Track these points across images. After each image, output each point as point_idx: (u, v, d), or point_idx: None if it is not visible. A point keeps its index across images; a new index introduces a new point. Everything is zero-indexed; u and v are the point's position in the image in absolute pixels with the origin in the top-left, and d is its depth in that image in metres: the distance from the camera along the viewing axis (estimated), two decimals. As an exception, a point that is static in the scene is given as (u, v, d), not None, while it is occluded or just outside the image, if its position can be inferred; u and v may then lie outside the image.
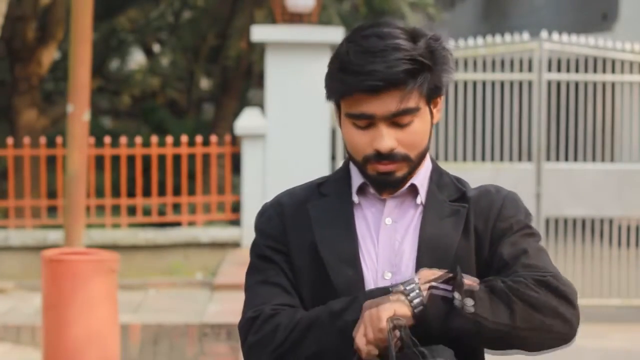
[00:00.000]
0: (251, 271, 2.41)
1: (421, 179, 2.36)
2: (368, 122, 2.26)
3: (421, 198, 2.35)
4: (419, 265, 2.27)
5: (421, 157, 2.34)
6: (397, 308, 2.14)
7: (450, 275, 2.16)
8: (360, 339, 2.15)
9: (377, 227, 2.34)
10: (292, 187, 2.48)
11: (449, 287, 2.15)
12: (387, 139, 2.25)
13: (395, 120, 2.25)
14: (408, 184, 2.34)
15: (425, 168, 2.38)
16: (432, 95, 2.29)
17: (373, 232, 2.34)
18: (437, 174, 2.39)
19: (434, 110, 2.34)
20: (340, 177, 2.41)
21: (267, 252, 2.38)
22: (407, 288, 2.16)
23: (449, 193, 2.36)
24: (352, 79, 2.22)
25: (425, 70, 2.25)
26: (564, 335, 2.20)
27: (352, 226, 2.33)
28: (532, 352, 2.23)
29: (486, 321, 2.14)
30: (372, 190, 2.35)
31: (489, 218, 2.33)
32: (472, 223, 2.33)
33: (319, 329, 2.24)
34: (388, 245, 2.32)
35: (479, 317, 2.13)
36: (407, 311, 2.14)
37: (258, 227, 2.43)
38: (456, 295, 2.13)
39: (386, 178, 2.30)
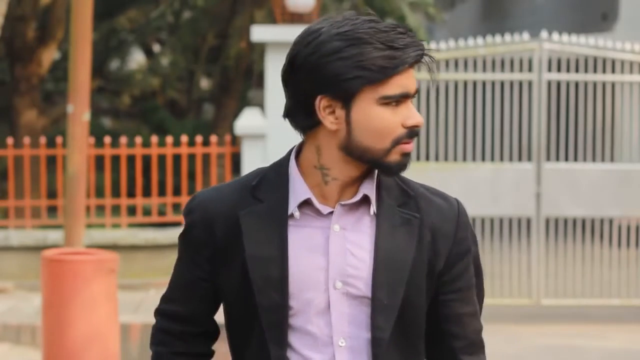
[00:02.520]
0: (179, 256, 2.46)
1: (371, 186, 2.29)
2: (398, 102, 2.21)
3: (373, 208, 2.28)
4: (376, 282, 2.24)
5: (370, 172, 2.30)
6: None
7: None
8: None
9: (324, 236, 2.26)
10: (225, 183, 2.38)
11: None
12: (417, 113, 2.26)
13: (413, 97, 2.27)
14: (360, 195, 2.27)
15: (374, 172, 2.30)
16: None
17: (321, 242, 2.25)
18: (383, 177, 2.31)
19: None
20: (278, 182, 2.29)
21: (188, 259, 2.40)
22: None
23: (395, 196, 2.30)
24: (396, 54, 2.18)
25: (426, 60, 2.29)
26: None
27: (284, 245, 2.24)
28: None
29: None
30: (316, 204, 2.25)
31: (445, 237, 2.31)
32: (425, 237, 2.29)
33: None
34: (338, 253, 2.26)
35: None
36: None
37: (185, 225, 2.40)
38: None
39: (407, 160, 2.26)
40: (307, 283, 2.25)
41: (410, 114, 2.22)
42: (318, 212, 2.26)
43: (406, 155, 2.25)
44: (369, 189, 2.28)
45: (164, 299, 2.43)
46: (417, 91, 2.27)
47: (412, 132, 2.24)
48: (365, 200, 2.28)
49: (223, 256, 2.29)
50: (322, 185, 2.26)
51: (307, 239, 2.26)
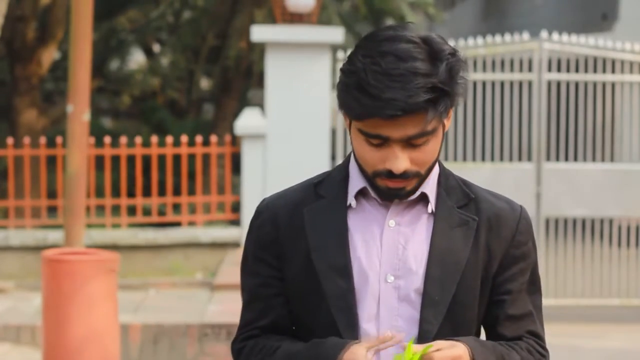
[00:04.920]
0: (245, 270, 2.43)
1: (431, 185, 2.34)
2: (382, 141, 2.23)
3: (432, 207, 2.33)
4: (428, 277, 2.28)
5: (431, 169, 2.32)
6: None
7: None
8: None
9: (380, 229, 2.32)
10: (290, 186, 2.46)
11: None
12: (401, 160, 2.22)
13: (411, 141, 2.22)
14: (418, 193, 2.32)
15: (434, 173, 2.35)
16: (447, 112, 2.26)
17: (376, 234, 2.31)
18: (444, 177, 2.37)
19: (446, 122, 2.30)
20: (339, 178, 2.37)
21: (259, 262, 2.38)
22: None
23: (457, 198, 2.35)
24: (370, 104, 2.17)
25: (445, 96, 2.21)
26: None
27: (345, 234, 2.31)
28: None
29: None
30: (373, 194, 2.32)
31: (503, 240, 2.34)
32: (482, 238, 2.33)
33: None
34: (392, 247, 2.31)
35: None
36: None
37: (252, 229, 2.42)
38: None
39: (396, 193, 2.28)
40: (366, 270, 2.30)
41: (389, 157, 2.23)
42: (376, 203, 2.32)
43: (393, 189, 2.27)
44: (428, 187, 2.33)
45: (243, 326, 2.42)
46: (416, 137, 2.21)
47: (392, 174, 2.24)
48: (424, 198, 2.33)
49: (288, 251, 2.34)
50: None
51: (365, 229, 2.32)
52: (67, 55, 9.60)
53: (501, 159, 9.87)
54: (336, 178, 2.37)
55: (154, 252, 10.40)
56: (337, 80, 2.29)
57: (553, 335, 9.21)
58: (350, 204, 2.33)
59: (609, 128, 9.91)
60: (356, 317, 2.28)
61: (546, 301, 9.60)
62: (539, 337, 2.39)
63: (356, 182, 2.34)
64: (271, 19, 12.83)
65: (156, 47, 19.09)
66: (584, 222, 9.81)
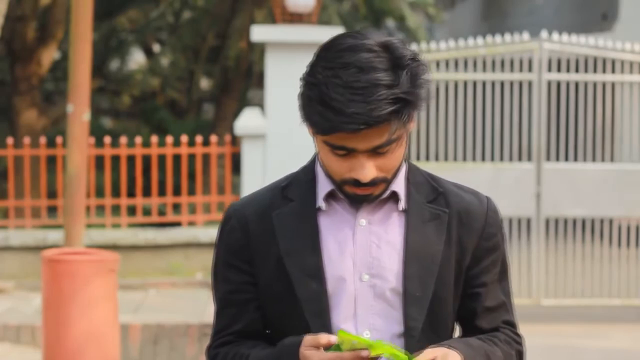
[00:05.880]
0: (217, 276, 2.41)
1: (399, 183, 2.34)
2: (348, 151, 2.22)
3: (402, 204, 2.33)
4: (407, 274, 2.29)
5: (398, 170, 2.32)
6: None
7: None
8: None
9: (352, 230, 2.31)
10: (258, 189, 2.45)
11: None
12: (368, 170, 2.22)
13: (377, 150, 2.22)
14: (388, 192, 2.32)
15: (402, 170, 2.35)
16: (412, 118, 2.24)
17: (349, 235, 2.31)
18: (412, 174, 2.37)
19: (410, 126, 2.27)
20: (306, 180, 2.36)
21: (230, 268, 2.37)
22: None
23: (426, 193, 2.36)
24: (334, 118, 2.16)
25: (408, 106, 2.19)
26: None
27: (317, 237, 2.31)
28: None
29: None
30: (341, 196, 2.31)
31: (473, 232, 2.35)
32: (454, 231, 2.34)
33: None
34: (365, 247, 2.31)
35: None
36: None
37: (221, 235, 2.40)
38: None
39: (364, 198, 2.28)
40: (340, 272, 2.29)
41: (355, 167, 2.22)
42: (346, 204, 2.32)
43: (361, 196, 2.27)
44: (397, 185, 2.33)
45: (217, 332, 2.42)
46: (381, 146, 2.20)
47: (359, 183, 2.24)
48: (394, 195, 2.33)
49: (259, 256, 2.33)
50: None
51: (337, 230, 2.31)
52: (67, 55, 9.60)
53: (501, 159, 9.87)
54: (303, 180, 2.36)
55: (154, 252, 10.40)
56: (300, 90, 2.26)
57: (553, 335, 9.24)
58: (319, 207, 2.32)
59: (609, 128, 9.91)
60: (330, 320, 2.28)
61: (546, 301, 9.61)
62: (513, 325, 2.43)
63: (324, 184, 2.33)
64: (271, 19, 12.83)
65: (156, 47, 19.09)
66: (584, 222, 9.81)
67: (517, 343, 2.43)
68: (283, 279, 2.30)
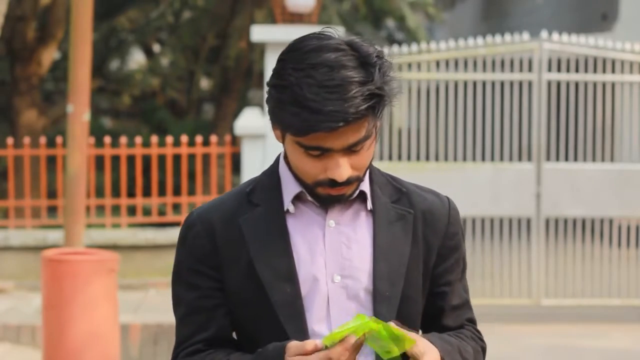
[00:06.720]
0: (180, 283, 2.36)
1: (366, 183, 2.34)
2: (322, 151, 2.21)
3: (370, 204, 2.33)
4: (376, 273, 2.29)
5: (368, 169, 2.33)
6: None
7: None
8: None
9: (321, 231, 2.31)
10: (220, 195, 2.42)
11: None
12: (344, 169, 2.21)
13: (352, 148, 2.21)
14: (357, 192, 2.32)
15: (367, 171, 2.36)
16: (383, 115, 2.25)
17: (318, 236, 2.30)
18: (375, 174, 2.37)
19: (380, 123, 2.27)
20: (270, 184, 2.34)
21: (195, 274, 2.33)
22: None
23: (389, 193, 2.36)
24: (311, 118, 2.15)
25: (382, 101, 2.20)
26: None
27: (287, 240, 2.29)
28: None
29: None
30: (309, 197, 2.30)
31: (438, 232, 2.37)
32: (419, 231, 2.35)
33: None
34: (335, 248, 2.30)
35: None
36: None
37: (184, 241, 2.37)
38: None
39: (337, 199, 2.28)
40: (312, 273, 2.29)
41: (331, 166, 2.21)
42: (314, 205, 2.31)
43: (335, 196, 2.26)
44: (365, 185, 2.33)
45: (183, 342, 2.35)
46: (356, 144, 2.20)
47: (334, 183, 2.23)
48: (361, 195, 2.33)
49: (227, 262, 2.31)
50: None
51: (307, 232, 2.30)
52: (67, 55, 9.60)
53: (501, 159, 9.87)
54: (267, 184, 2.34)
55: (154, 252, 10.40)
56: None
57: (553, 335, 9.24)
58: (288, 209, 2.31)
59: (609, 128, 9.91)
60: (305, 323, 2.27)
61: (546, 301, 9.61)
62: (474, 323, 2.47)
63: (291, 186, 2.31)
64: (271, 19, 12.83)
65: (156, 47, 19.09)
66: (583, 222, 9.81)
67: (480, 340, 2.46)
68: (254, 284, 2.27)
